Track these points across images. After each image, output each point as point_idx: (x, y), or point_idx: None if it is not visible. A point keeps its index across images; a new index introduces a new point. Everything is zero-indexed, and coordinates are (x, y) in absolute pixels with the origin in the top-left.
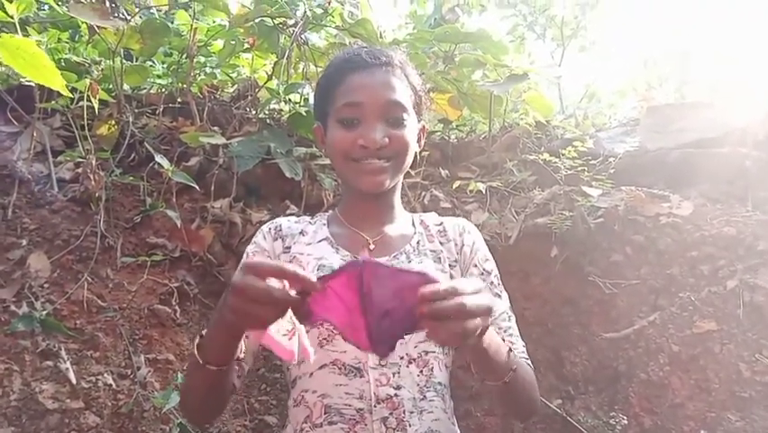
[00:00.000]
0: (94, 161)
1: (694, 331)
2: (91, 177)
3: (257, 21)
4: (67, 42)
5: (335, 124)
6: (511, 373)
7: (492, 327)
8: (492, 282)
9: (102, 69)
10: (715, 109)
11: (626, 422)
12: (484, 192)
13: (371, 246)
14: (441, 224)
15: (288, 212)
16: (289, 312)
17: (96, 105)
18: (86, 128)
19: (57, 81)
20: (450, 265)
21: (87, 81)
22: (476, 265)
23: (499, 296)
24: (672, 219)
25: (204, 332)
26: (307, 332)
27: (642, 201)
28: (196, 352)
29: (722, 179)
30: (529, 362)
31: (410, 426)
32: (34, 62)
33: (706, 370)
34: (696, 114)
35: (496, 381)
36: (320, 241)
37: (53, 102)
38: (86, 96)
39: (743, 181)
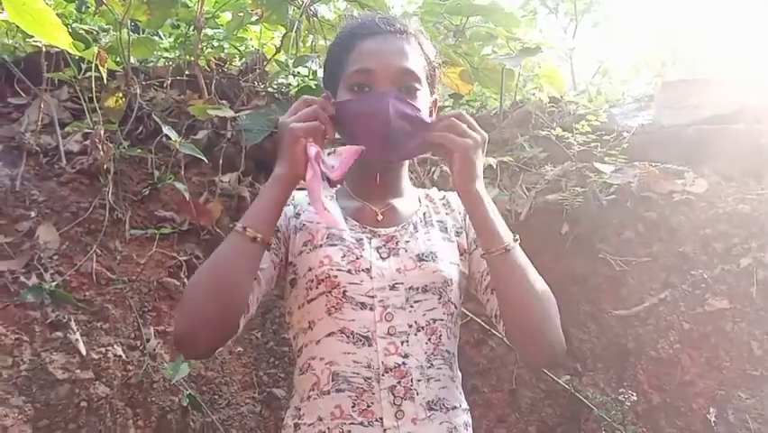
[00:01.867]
0: (102, 132)
1: (706, 309)
2: (99, 147)
3: None
4: (74, 13)
5: (345, 92)
6: (514, 243)
7: None
8: None
9: (109, 40)
10: (730, 85)
11: (635, 399)
12: (495, 168)
13: (379, 217)
14: (444, 197)
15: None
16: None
17: (105, 75)
18: (95, 100)
19: (63, 39)
20: (456, 233)
21: (96, 49)
22: None
23: None
24: (686, 196)
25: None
26: (312, 300)
27: (655, 178)
28: (238, 224)
29: (737, 156)
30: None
31: (418, 394)
32: (40, 19)
33: (717, 348)
34: (711, 90)
35: (498, 246)
36: None
37: (61, 73)
38: (93, 65)
39: (758, 158)
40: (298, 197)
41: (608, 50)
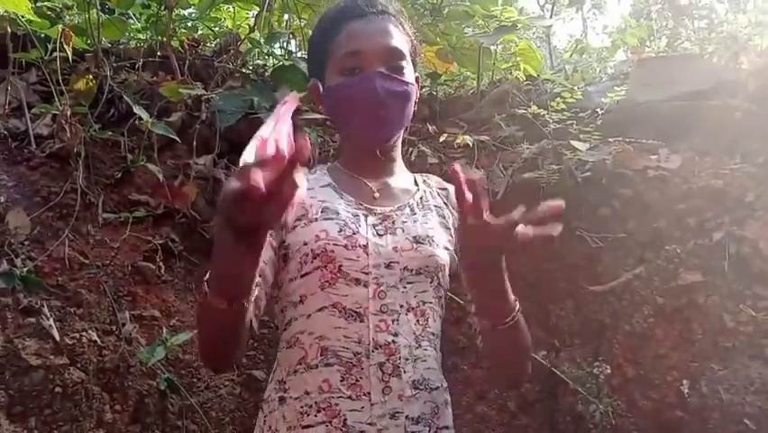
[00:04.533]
0: (68, 113)
1: (679, 283)
2: (66, 129)
3: None
4: None
5: (335, 76)
6: (517, 313)
7: None
8: None
9: (75, 17)
10: (705, 61)
11: (609, 372)
12: (472, 146)
13: (376, 195)
14: (445, 189)
15: None
16: None
17: (70, 54)
18: (62, 82)
19: (22, 3)
20: (452, 226)
21: (60, 27)
22: None
23: None
24: (660, 172)
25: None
26: (306, 275)
27: (630, 155)
28: (205, 287)
29: (712, 131)
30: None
31: (405, 372)
32: None
33: (690, 321)
34: (686, 66)
35: (504, 318)
36: (323, 186)
37: (27, 53)
38: (58, 44)
39: (732, 134)
40: None
41: (585, 28)
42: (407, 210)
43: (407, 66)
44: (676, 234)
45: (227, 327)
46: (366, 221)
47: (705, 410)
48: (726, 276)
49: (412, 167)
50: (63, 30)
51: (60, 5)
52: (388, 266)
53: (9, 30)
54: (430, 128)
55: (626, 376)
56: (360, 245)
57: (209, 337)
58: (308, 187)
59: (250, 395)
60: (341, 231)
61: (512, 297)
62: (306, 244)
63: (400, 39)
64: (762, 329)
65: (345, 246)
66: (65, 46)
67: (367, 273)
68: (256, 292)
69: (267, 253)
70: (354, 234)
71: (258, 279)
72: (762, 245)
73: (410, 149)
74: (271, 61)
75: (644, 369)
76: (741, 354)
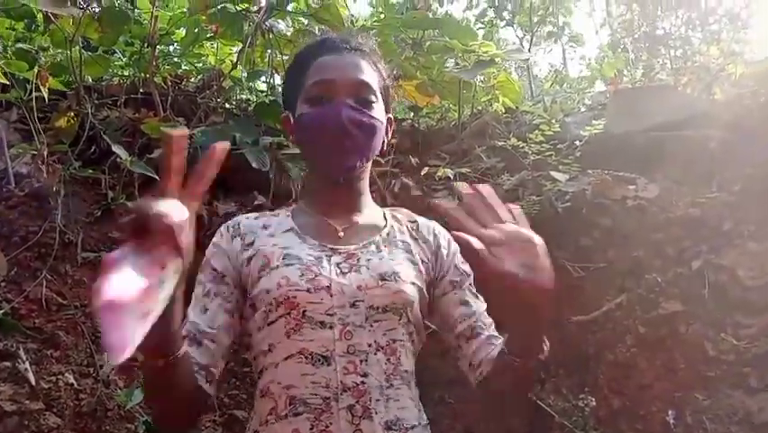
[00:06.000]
0: (45, 153)
1: (660, 312)
2: (43, 169)
3: (219, 7)
4: (23, 32)
5: (303, 104)
6: (546, 346)
7: (478, 322)
8: (470, 283)
9: (52, 57)
10: (679, 92)
11: (594, 404)
12: (453, 179)
13: (340, 234)
14: (415, 222)
15: (255, 203)
16: None
17: (47, 95)
18: (41, 120)
19: None
20: (421, 261)
21: (35, 69)
22: (456, 267)
23: (477, 296)
24: (638, 202)
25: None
26: (272, 324)
27: (608, 185)
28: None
29: (687, 161)
30: None
31: (376, 413)
32: None
33: (672, 350)
34: (661, 97)
35: (538, 354)
36: (285, 231)
37: (7, 93)
38: (33, 85)
39: (708, 163)
40: (243, 223)
41: (564, 59)
42: (373, 247)
43: (377, 102)
44: (656, 263)
45: (167, 386)
46: (330, 261)
47: None
48: (706, 305)
49: (396, 199)
50: (39, 71)
51: (36, 48)
52: (353, 305)
53: None
54: (413, 160)
55: (612, 408)
56: (323, 287)
57: (155, 397)
58: (270, 234)
59: None
60: (302, 275)
61: (545, 331)
62: (268, 292)
63: (371, 75)
64: (743, 358)
65: (308, 290)
66: (41, 87)
67: (332, 315)
68: (206, 361)
69: (218, 320)
70: (317, 276)
71: (211, 344)
72: (740, 273)
73: (393, 181)
74: (255, 96)
75: (629, 400)
76: (724, 384)
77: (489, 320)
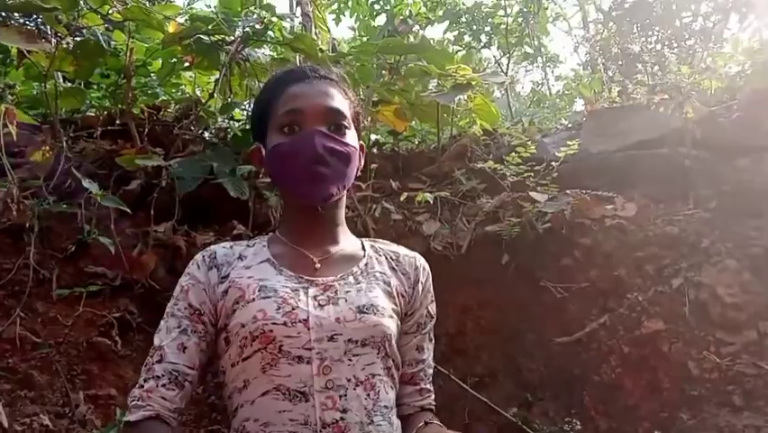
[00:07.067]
0: (15, 191)
1: (643, 332)
2: (12, 207)
3: (194, 38)
4: None
5: (275, 134)
6: None
7: (421, 373)
8: (431, 326)
9: (27, 90)
10: (653, 111)
11: (580, 427)
12: (433, 202)
13: (317, 266)
14: (396, 253)
15: (234, 232)
16: None
17: (14, 133)
18: (14, 155)
19: None
20: (398, 293)
21: (2, 107)
22: (426, 308)
23: (431, 340)
24: (617, 221)
25: None
26: (247, 359)
27: (587, 204)
28: None
29: (663, 178)
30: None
31: None
32: None
33: (656, 370)
34: (636, 116)
35: None
36: (261, 262)
37: None
38: (0, 124)
39: (683, 180)
40: (219, 253)
41: (541, 81)
42: (351, 279)
43: (349, 128)
44: (637, 281)
45: None
46: (307, 293)
47: None
48: (687, 323)
49: (377, 224)
50: (6, 109)
51: (2, 86)
52: (331, 339)
53: None
54: (393, 184)
55: (599, 429)
56: (300, 320)
57: None
58: (246, 265)
59: None
60: (279, 309)
61: None
62: (244, 326)
63: (342, 102)
64: (726, 376)
65: (284, 324)
66: (9, 125)
67: (309, 349)
68: (183, 403)
69: (193, 359)
70: (294, 309)
71: (190, 386)
72: (720, 291)
73: (374, 206)
74: (233, 124)
75: (615, 421)
76: (708, 403)
77: (431, 370)
